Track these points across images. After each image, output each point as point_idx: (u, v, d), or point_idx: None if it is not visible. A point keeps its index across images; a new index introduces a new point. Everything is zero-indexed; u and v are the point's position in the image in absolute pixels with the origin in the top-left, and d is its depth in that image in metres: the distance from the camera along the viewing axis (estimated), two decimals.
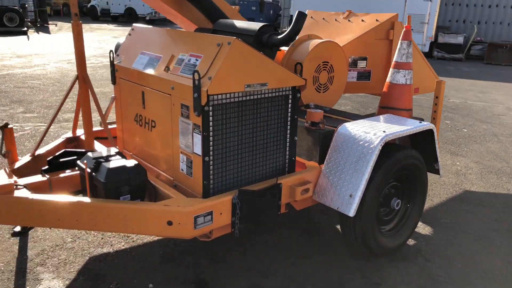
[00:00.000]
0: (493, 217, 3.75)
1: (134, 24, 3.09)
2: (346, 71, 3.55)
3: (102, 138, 3.17)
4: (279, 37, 2.79)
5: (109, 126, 3.07)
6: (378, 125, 2.83)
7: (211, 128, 2.29)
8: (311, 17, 4.72)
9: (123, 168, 2.33)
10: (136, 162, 2.41)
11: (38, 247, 2.87)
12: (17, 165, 2.79)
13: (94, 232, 3.07)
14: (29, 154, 2.90)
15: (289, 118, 2.61)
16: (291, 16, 17.64)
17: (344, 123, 2.84)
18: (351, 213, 2.54)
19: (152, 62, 2.64)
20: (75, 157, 2.74)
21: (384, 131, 2.67)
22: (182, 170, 2.49)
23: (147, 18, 24.74)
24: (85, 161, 2.40)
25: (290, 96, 2.56)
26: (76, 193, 2.58)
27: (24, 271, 2.63)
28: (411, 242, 3.22)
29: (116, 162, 2.39)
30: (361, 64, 3.88)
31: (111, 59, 2.94)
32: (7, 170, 2.56)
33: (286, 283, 2.66)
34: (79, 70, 2.94)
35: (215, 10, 3.26)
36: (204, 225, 2.27)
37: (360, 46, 3.83)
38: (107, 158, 2.43)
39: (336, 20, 4.48)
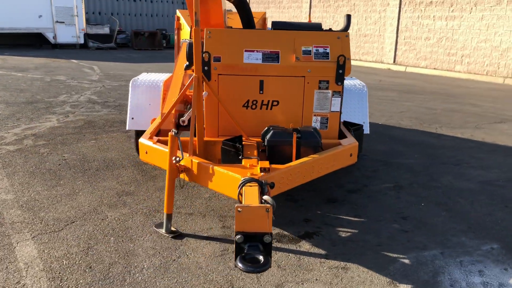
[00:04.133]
0: None
1: (210, 28, 3.43)
2: None
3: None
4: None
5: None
6: None
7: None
8: (188, 15, 5.63)
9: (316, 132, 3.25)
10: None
11: None
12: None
13: None
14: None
15: None
16: None
17: None
18: None
19: (271, 56, 3.43)
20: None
21: None
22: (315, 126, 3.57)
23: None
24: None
25: None
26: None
27: None
28: None
29: (306, 128, 3.24)
30: None
31: (205, 59, 3.35)
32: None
33: None
34: (197, 71, 3.19)
35: (250, 18, 3.95)
36: None
37: None
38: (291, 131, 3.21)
39: None
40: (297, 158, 3.06)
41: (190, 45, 3.41)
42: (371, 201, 3.80)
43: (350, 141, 3.47)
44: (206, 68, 3.35)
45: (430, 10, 14.55)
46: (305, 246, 3.00)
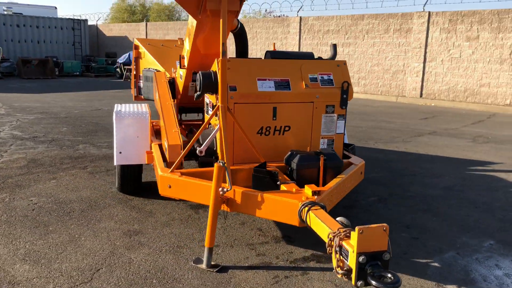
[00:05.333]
0: None
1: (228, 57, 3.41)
2: None
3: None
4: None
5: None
6: None
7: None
8: (148, 44, 5.50)
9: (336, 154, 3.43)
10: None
11: None
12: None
13: None
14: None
15: None
16: None
17: None
18: None
19: (283, 84, 3.56)
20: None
21: None
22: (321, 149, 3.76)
23: None
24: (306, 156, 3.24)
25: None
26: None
27: None
28: None
29: (327, 150, 3.40)
30: None
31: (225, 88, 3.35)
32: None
33: None
34: (223, 100, 3.17)
35: (246, 48, 3.98)
36: None
37: None
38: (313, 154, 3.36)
39: (176, 46, 5.60)
40: (323, 180, 3.22)
41: (204, 75, 3.38)
42: (370, 214, 4.09)
43: (358, 160, 3.73)
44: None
45: (328, 37, 15.93)
46: None
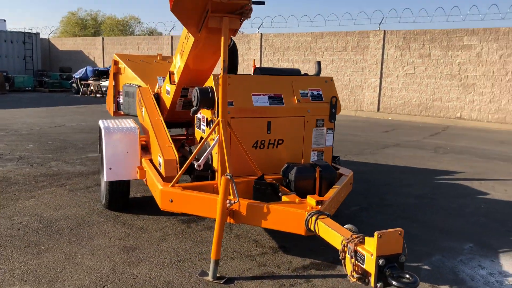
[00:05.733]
0: None
1: (219, 75, 3.49)
2: None
3: None
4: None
5: None
6: None
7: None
8: (128, 59, 5.49)
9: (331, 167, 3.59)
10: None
11: None
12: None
13: None
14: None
15: None
16: None
17: None
18: None
19: (276, 99, 3.69)
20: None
21: None
22: (313, 161, 3.92)
23: None
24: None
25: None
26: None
27: None
28: None
29: (322, 163, 3.54)
30: None
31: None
32: None
33: None
34: (223, 115, 3.25)
35: (236, 64, 4.07)
36: None
37: None
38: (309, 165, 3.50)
39: (155, 61, 5.62)
40: (319, 190, 3.37)
41: (201, 91, 3.46)
42: (357, 223, 4.26)
43: (348, 171, 3.92)
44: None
45: (288, 53, 16.36)
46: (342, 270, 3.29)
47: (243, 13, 3.13)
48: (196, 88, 3.50)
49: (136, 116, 5.02)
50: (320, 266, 3.31)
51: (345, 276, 3.15)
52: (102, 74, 18.89)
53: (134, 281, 2.98)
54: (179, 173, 3.33)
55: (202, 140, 3.40)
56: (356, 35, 14.88)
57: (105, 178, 3.98)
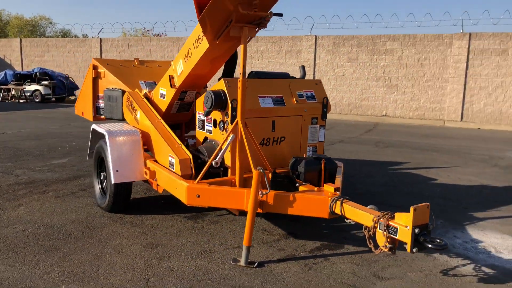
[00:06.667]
0: None
1: (227, 79, 3.77)
2: None
3: None
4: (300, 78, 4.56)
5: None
6: None
7: None
8: (107, 64, 5.52)
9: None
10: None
11: None
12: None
13: None
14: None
15: None
16: None
17: None
18: None
19: (278, 100, 4.07)
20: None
21: None
22: (305, 155, 4.35)
23: None
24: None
25: None
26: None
27: None
28: None
29: (323, 156, 3.97)
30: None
31: (234, 105, 3.74)
32: None
33: None
34: (242, 116, 3.54)
35: (234, 67, 4.33)
36: None
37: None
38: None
39: (134, 66, 5.70)
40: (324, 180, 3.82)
41: (215, 94, 3.73)
42: None
43: (340, 163, 4.41)
44: (234, 113, 3.76)
45: None
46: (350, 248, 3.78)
47: (261, 23, 3.47)
48: (210, 91, 3.76)
49: (121, 119, 5.11)
50: (331, 247, 3.75)
51: (354, 252, 3.64)
52: (24, 78, 17.77)
53: (173, 272, 3.19)
54: (203, 170, 3.58)
55: (223, 140, 3.65)
56: (289, 39, 15.67)
57: (112, 180, 4.07)
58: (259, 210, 3.39)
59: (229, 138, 3.67)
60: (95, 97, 5.46)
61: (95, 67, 5.38)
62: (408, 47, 14.10)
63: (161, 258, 3.41)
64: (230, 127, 3.66)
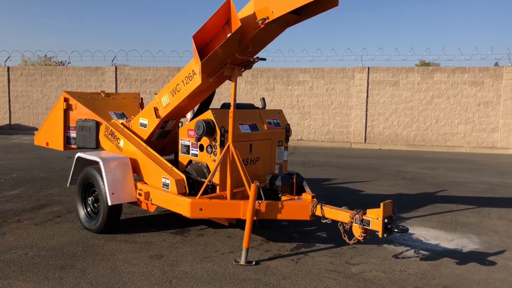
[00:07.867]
0: None
1: (214, 109, 4.47)
2: None
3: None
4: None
5: None
6: None
7: None
8: (78, 96, 5.88)
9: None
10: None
11: None
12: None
13: None
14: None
15: None
16: None
17: None
18: None
19: (253, 127, 4.86)
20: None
21: None
22: (276, 172, 5.18)
23: None
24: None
25: None
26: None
27: None
28: None
29: (293, 172, 4.82)
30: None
31: (222, 131, 4.45)
32: None
33: None
34: (232, 141, 4.25)
35: (211, 100, 4.99)
36: None
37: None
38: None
39: (101, 98, 6.11)
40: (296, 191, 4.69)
41: (206, 123, 4.42)
42: None
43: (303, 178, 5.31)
44: (222, 138, 4.49)
45: (146, 86, 17.05)
46: (321, 245, 4.64)
47: (247, 65, 4.30)
48: (201, 121, 4.45)
49: (94, 148, 5.51)
50: (305, 246, 4.59)
51: (324, 248, 4.50)
52: None
53: (188, 274, 3.77)
54: (202, 187, 4.22)
55: (216, 163, 4.31)
56: None
57: (109, 202, 4.48)
58: (254, 218, 4.12)
59: (219, 160, 4.36)
60: (66, 128, 5.75)
61: (66, 99, 5.70)
62: (318, 79, 15.82)
63: (172, 265, 3.95)
64: (219, 150, 4.36)
